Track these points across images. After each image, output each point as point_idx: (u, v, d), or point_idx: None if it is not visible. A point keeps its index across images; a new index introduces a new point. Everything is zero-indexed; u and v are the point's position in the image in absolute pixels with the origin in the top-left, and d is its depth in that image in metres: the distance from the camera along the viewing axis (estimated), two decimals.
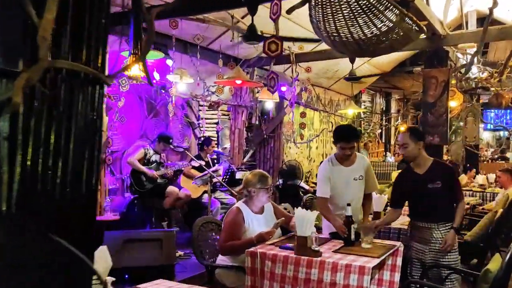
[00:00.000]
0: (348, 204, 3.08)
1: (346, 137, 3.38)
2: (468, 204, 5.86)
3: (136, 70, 3.33)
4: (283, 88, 7.07)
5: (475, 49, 7.66)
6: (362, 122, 12.61)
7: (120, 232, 4.37)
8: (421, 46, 6.03)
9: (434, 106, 5.77)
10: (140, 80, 5.34)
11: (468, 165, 9.61)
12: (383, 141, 14.41)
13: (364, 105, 12.85)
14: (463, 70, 6.26)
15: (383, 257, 2.74)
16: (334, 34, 3.46)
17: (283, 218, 3.23)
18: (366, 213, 3.45)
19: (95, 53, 1.23)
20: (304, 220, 2.74)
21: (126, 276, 3.98)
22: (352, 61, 6.57)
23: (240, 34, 5.16)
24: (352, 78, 6.99)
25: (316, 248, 2.70)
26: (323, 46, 7.80)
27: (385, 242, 3.12)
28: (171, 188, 5.48)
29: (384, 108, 14.61)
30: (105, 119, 5.18)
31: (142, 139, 6.64)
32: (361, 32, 3.39)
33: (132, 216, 5.54)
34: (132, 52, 3.32)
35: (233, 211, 3.23)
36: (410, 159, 3.30)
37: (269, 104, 7.04)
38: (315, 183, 9.11)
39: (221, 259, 3.21)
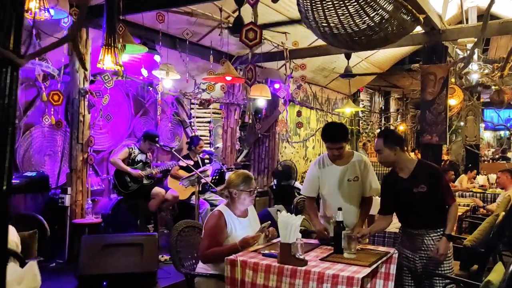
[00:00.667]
0: (339, 209, 2.83)
1: (332, 137, 3.15)
2: (468, 206, 5.62)
3: (109, 63, 3.09)
4: (277, 86, 6.84)
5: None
6: (361, 121, 12.37)
7: (99, 236, 4.14)
8: (419, 41, 5.80)
9: (433, 103, 5.53)
10: (124, 76, 5.11)
11: (469, 165, 9.35)
12: None
13: (363, 104, 12.62)
14: (461, 65, 6.01)
15: (374, 265, 2.50)
16: (324, 24, 3.21)
17: (269, 222, 3.00)
18: (361, 218, 3.19)
19: (6, 32, 1.01)
20: (288, 225, 2.50)
21: (104, 283, 3.74)
22: (347, 57, 6.32)
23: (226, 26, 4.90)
24: (347, 75, 6.74)
25: (301, 256, 2.47)
26: (319, 42, 7.58)
27: (378, 249, 2.89)
28: (156, 190, 5.23)
29: (383, 107, 14.37)
30: (88, 116, 4.95)
31: (130, 138, 6.42)
32: (352, 22, 3.14)
33: (117, 219, 5.31)
34: (104, 43, 3.08)
35: (215, 214, 2.99)
36: (386, 165, 3.08)
37: (261, 101, 6.80)
38: None
39: (201, 267, 2.97)
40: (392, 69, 11.17)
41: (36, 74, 3.93)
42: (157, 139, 5.38)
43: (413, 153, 15.59)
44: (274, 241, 3.08)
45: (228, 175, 3.15)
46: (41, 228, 3.34)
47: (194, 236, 3.33)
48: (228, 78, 5.35)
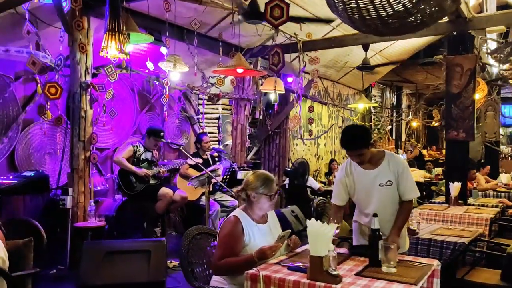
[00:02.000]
0: (375, 215, 2.47)
1: (349, 145, 2.80)
2: (497, 207, 5.24)
3: (113, 51, 2.75)
4: (290, 79, 6.47)
5: (494, 35, 7.06)
6: (373, 117, 11.98)
7: (102, 242, 3.81)
8: (443, 31, 5.42)
9: (459, 97, 5.15)
10: (129, 69, 4.77)
11: (481, 161, 8.92)
12: (394, 137, 13.78)
13: (374, 100, 12.22)
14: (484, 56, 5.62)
15: (421, 282, 2.14)
16: (353, 5, 2.85)
17: (289, 231, 2.64)
18: (396, 226, 2.82)
19: None
20: (319, 236, 2.15)
21: None
22: (365, 48, 5.95)
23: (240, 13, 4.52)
24: (365, 67, 6.36)
25: (335, 272, 2.11)
26: (333, 33, 7.20)
27: (418, 260, 2.52)
28: (164, 190, 4.88)
29: (394, 103, 13.96)
30: (90, 112, 4.61)
31: (135, 136, 6.09)
32: (386, 2, 2.78)
33: (122, 221, 4.98)
34: (108, 28, 2.74)
35: (230, 221, 2.64)
36: None
37: (274, 96, 6.43)
38: (324, 182, 8.54)
39: (216, 280, 2.63)
40: (405, 63, 10.77)
41: (28, 64, 3.56)
42: (162, 134, 5.03)
43: (425, 150, 15.21)
44: (298, 250, 2.74)
45: (246, 175, 2.79)
46: (37, 235, 3.01)
47: (207, 243, 2.99)
48: (240, 70, 5.00)
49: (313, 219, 2.25)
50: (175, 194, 4.97)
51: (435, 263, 2.46)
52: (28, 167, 4.85)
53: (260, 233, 2.67)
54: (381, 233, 2.46)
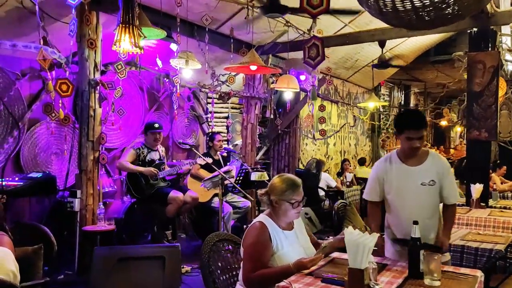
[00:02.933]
0: (415, 222, 2.27)
1: (415, 123, 2.59)
2: None
3: (127, 44, 2.56)
4: (302, 77, 6.28)
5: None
6: (381, 116, 11.79)
7: (114, 248, 3.63)
8: (464, 26, 5.22)
9: (481, 95, 4.96)
10: (138, 66, 4.58)
11: (497, 161, 8.71)
12: None
13: (383, 99, 12.03)
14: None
15: None
16: None
17: (331, 241, 2.46)
18: (447, 228, 2.66)
19: None
20: (359, 247, 1.96)
21: None
22: (382, 45, 5.75)
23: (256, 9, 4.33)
24: (382, 64, 6.16)
25: (377, 286, 1.93)
26: (346, 30, 7.01)
27: (459, 271, 2.33)
28: (174, 194, 4.69)
29: (402, 102, 13.75)
30: (99, 111, 4.42)
31: (143, 135, 5.91)
32: None
33: (131, 224, 4.80)
34: (121, 21, 2.55)
35: (256, 227, 2.45)
36: None
37: (288, 94, 6.23)
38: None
39: None
40: (415, 61, 10.56)
41: (38, 59, 3.37)
42: (156, 125, 4.88)
43: (434, 149, 15.00)
44: (331, 257, 2.54)
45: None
46: (47, 242, 2.83)
47: (225, 252, 2.79)
48: (253, 67, 4.81)
49: (350, 227, 2.06)
50: (186, 195, 4.79)
51: (479, 274, 2.27)
52: (34, 168, 4.67)
53: (288, 241, 2.48)
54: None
